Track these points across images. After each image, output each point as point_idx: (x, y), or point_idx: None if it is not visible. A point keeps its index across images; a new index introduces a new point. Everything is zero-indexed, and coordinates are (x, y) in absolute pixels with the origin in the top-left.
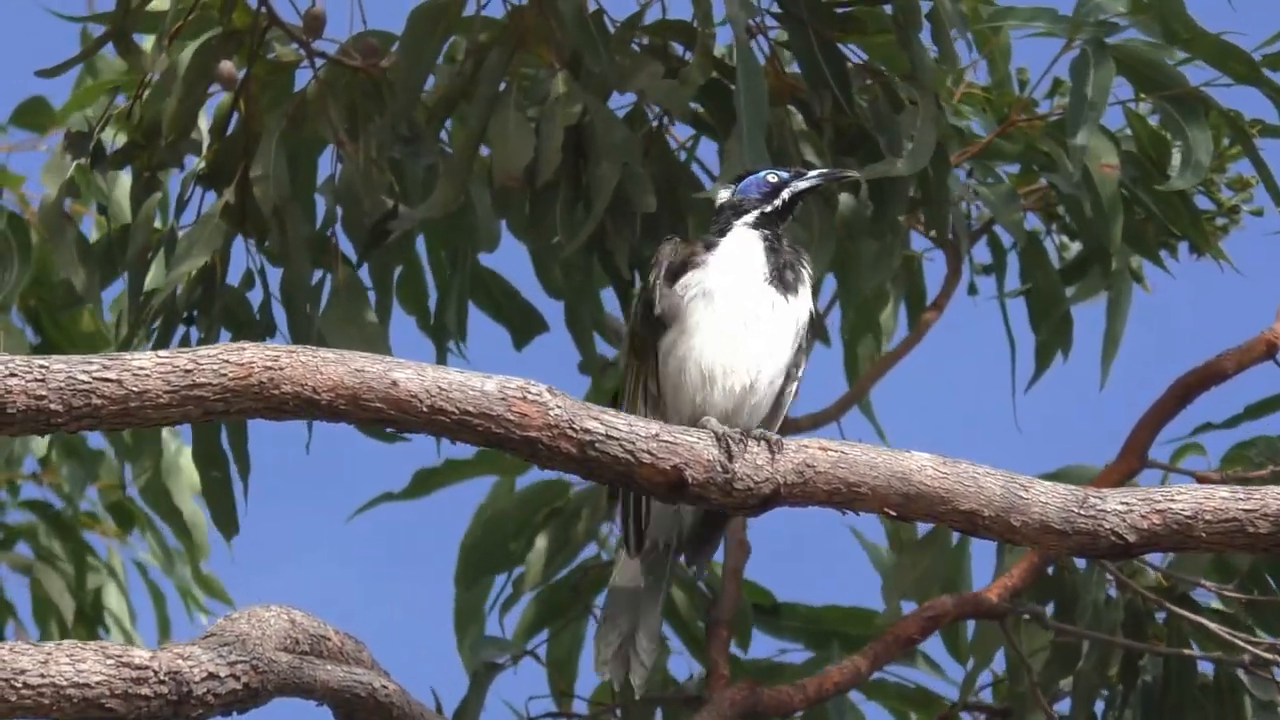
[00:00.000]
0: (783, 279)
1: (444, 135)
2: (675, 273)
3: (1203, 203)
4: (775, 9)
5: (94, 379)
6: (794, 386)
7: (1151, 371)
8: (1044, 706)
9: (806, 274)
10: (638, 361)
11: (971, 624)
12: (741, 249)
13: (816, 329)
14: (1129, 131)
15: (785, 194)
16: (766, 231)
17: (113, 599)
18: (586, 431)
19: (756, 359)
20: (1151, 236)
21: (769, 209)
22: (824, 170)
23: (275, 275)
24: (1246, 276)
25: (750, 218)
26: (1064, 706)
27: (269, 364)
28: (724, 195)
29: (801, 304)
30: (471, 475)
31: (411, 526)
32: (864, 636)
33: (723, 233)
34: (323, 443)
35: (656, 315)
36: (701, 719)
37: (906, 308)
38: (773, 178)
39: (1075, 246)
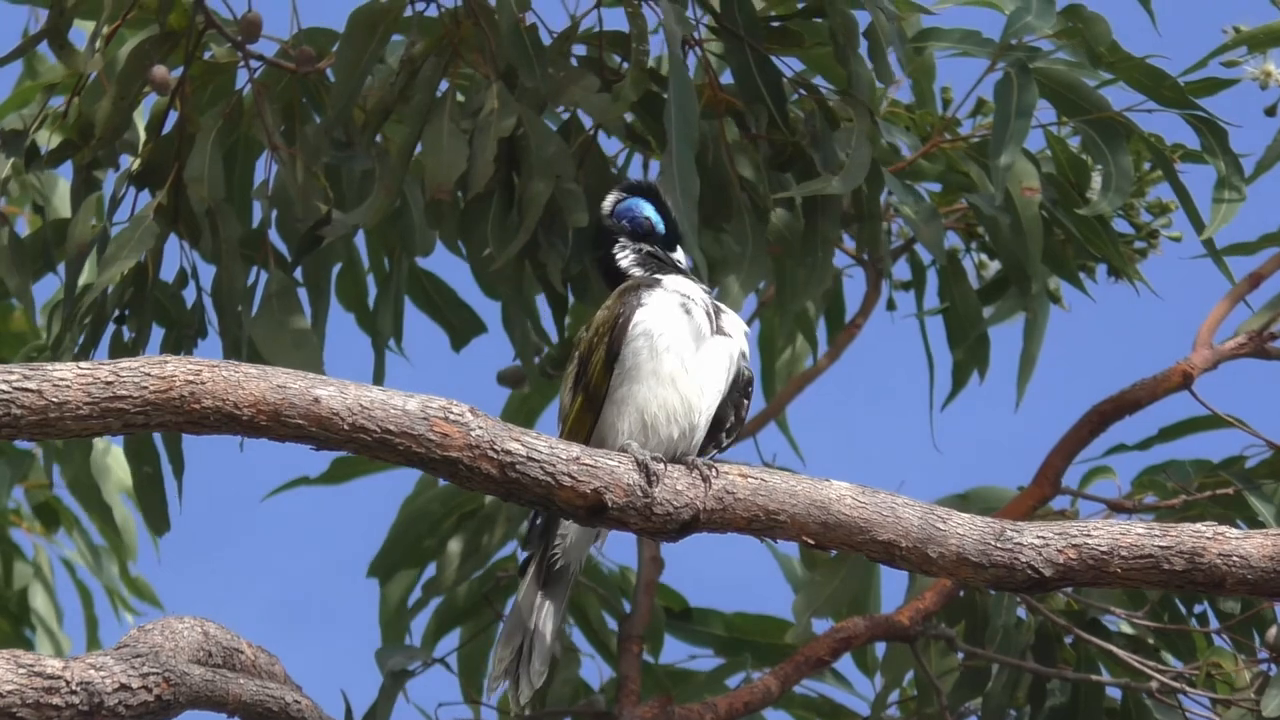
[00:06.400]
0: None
1: (380, 139)
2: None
3: (1121, 226)
4: (710, 22)
5: (14, 389)
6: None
7: (1068, 393)
8: None
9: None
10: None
11: (882, 643)
12: (679, 287)
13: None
14: (1049, 153)
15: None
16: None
17: (39, 599)
18: (508, 453)
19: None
20: (1070, 258)
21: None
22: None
23: (208, 273)
24: (1164, 300)
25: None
26: None
27: (190, 378)
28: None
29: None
30: (390, 466)
31: (335, 533)
32: (775, 645)
33: (657, 272)
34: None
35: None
36: None
37: (826, 324)
38: (645, 222)
39: (994, 266)
